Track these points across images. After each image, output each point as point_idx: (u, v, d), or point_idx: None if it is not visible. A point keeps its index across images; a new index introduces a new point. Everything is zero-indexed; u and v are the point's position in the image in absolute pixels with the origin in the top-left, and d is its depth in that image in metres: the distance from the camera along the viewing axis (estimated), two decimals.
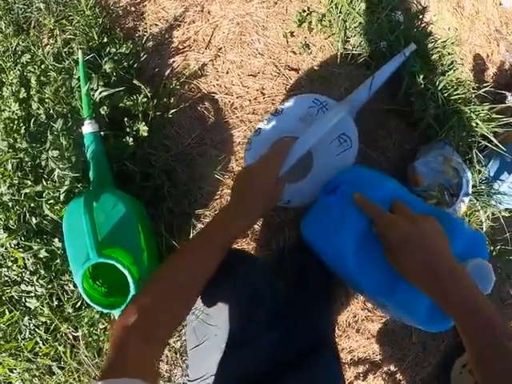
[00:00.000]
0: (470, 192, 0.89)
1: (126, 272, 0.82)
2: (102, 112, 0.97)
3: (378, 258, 0.65)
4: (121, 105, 1.00)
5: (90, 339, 0.95)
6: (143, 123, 0.98)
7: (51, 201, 0.94)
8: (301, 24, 1.02)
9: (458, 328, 0.57)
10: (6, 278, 0.97)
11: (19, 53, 1.05)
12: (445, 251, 0.62)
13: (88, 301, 0.82)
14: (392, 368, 1.02)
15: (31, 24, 1.10)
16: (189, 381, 0.72)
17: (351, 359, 1.02)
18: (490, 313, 0.55)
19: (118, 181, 0.97)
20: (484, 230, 0.98)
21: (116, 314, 0.88)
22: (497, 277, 0.61)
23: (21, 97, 0.98)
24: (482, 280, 0.61)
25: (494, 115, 0.90)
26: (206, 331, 0.68)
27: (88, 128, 0.94)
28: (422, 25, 0.95)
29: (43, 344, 0.95)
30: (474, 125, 0.89)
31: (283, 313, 0.75)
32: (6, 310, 0.96)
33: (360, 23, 0.95)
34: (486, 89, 0.92)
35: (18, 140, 0.95)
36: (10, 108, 0.96)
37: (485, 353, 0.53)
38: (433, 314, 0.63)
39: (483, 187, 0.95)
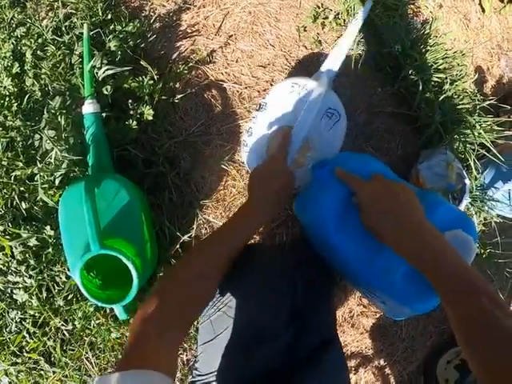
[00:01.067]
0: (468, 197, 0.90)
1: (129, 265, 0.74)
2: (105, 92, 0.86)
3: (359, 229, 0.64)
4: (125, 86, 0.89)
5: (82, 333, 0.86)
6: (148, 106, 0.90)
7: (45, 185, 0.83)
8: (315, 20, 0.97)
9: (442, 300, 0.52)
10: None
11: (14, 26, 0.91)
12: (416, 213, 0.59)
13: (87, 295, 0.74)
14: (382, 362, 1.01)
15: None
16: (198, 375, 0.65)
17: (344, 353, 1.00)
18: (471, 275, 0.50)
19: (118, 166, 0.88)
20: None
21: (116, 308, 0.80)
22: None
23: (14, 72, 0.85)
24: (462, 251, 0.57)
25: (495, 127, 0.91)
26: (225, 325, 0.62)
27: (89, 108, 0.84)
28: (434, 34, 0.94)
29: (30, 338, 0.84)
30: (477, 134, 0.90)
31: (300, 310, 0.71)
32: None
33: (376, 25, 0.92)
34: (491, 101, 0.92)
35: (9, 117, 0.82)
36: (1, 83, 0.83)
37: (476, 331, 0.48)
38: (410, 284, 0.61)
39: (478, 193, 0.96)
